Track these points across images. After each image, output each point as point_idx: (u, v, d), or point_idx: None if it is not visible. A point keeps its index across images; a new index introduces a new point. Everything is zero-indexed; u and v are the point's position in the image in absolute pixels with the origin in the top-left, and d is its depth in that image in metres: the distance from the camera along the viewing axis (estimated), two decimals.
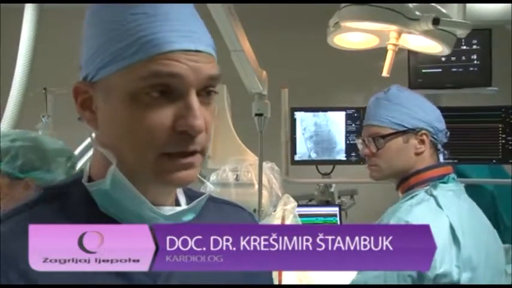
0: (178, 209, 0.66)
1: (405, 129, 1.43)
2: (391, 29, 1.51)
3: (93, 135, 0.68)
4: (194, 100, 0.61)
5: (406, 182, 1.45)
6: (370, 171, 1.50)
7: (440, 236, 1.29)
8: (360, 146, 1.56)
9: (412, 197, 1.40)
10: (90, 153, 1.78)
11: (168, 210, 0.65)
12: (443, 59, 2.43)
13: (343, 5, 1.49)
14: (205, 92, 0.63)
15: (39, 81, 1.80)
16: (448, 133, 1.52)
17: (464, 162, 2.48)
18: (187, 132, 0.60)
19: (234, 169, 1.80)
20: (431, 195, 1.38)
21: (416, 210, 1.35)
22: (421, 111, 1.46)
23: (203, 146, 0.63)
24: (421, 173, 1.44)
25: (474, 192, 1.54)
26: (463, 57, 2.48)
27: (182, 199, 0.72)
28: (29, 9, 1.63)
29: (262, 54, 1.67)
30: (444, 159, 1.53)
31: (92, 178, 0.67)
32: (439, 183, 1.42)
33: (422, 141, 1.44)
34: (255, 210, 1.64)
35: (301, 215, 1.90)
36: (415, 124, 1.44)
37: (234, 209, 0.81)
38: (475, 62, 2.48)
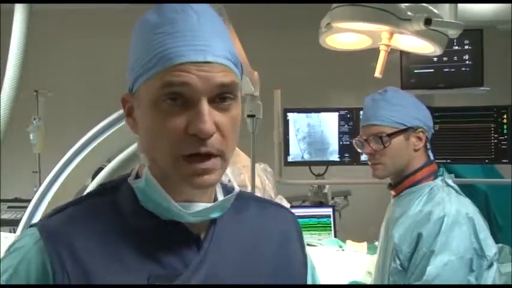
0: (204, 206, 0.72)
1: (405, 127, 1.52)
2: (383, 29, 1.51)
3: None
4: (203, 106, 0.67)
5: (412, 176, 1.52)
6: (374, 170, 1.55)
7: (482, 219, 1.44)
8: (357, 146, 1.60)
9: (430, 189, 1.49)
10: (84, 154, 1.76)
11: (199, 207, 0.72)
12: (435, 59, 2.44)
13: (334, 5, 1.48)
14: (221, 98, 0.69)
15: (30, 83, 1.78)
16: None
17: (457, 162, 2.49)
18: (197, 135, 0.67)
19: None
20: (448, 185, 1.50)
21: (456, 199, 1.46)
22: (417, 110, 1.56)
23: (218, 149, 0.69)
24: (425, 168, 1.53)
25: (468, 192, 1.55)
26: (455, 58, 2.49)
27: (220, 197, 0.77)
28: (20, 10, 1.61)
29: (254, 55, 1.66)
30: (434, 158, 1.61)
31: (139, 176, 0.75)
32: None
33: (419, 138, 1.53)
34: None
35: None
36: (413, 122, 1.52)
37: (275, 208, 0.86)
38: (467, 62, 2.49)
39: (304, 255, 0.83)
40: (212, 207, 0.72)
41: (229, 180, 0.78)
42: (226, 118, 0.69)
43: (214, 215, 0.73)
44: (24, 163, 2.87)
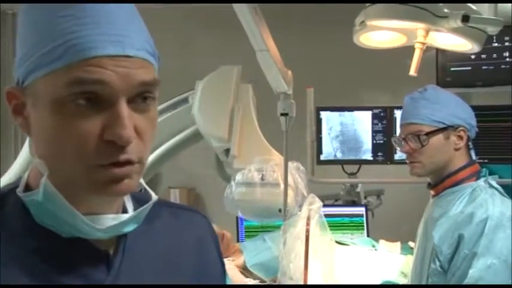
0: (120, 218, 0.62)
1: (445, 126, 1.50)
2: (419, 27, 1.49)
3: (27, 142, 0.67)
4: (122, 108, 0.57)
5: (453, 176, 1.50)
6: (412, 168, 1.54)
7: None
8: (397, 144, 1.60)
9: (473, 190, 1.45)
10: None
11: (109, 220, 0.62)
12: (473, 56, 2.38)
13: (368, 3, 1.47)
14: (141, 98, 0.59)
15: None
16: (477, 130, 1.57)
17: (495, 162, 2.42)
18: (115, 142, 0.57)
19: (259, 169, 1.80)
20: (492, 186, 1.46)
21: (500, 201, 1.42)
22: (458, 109, 1.53)
23: (138, 156, 0.59)
24: (467, 168, 1.50)
25: (506, 192, 1.51)
26: (494, 55, 2.43)
27: (130, 206, 0.67)
28: None
29: (288, 53, 1.67)
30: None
31: (30, 187, 0.63)
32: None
33: (460, 137, 1.50)
34: (280, 210, 1.64)
35: (326, 215, 1.89)
36: (453, 121, 1.50)
37: (189, 213, 0.77)
38: (507, 59, 2.42)
39: (222, 263, 0.77)
40: (127, 221, 0.62)
41: (144, 189, 0.67)
42: (146, 120, 0.59)
43: (129, 229, 0.63)
44: None
